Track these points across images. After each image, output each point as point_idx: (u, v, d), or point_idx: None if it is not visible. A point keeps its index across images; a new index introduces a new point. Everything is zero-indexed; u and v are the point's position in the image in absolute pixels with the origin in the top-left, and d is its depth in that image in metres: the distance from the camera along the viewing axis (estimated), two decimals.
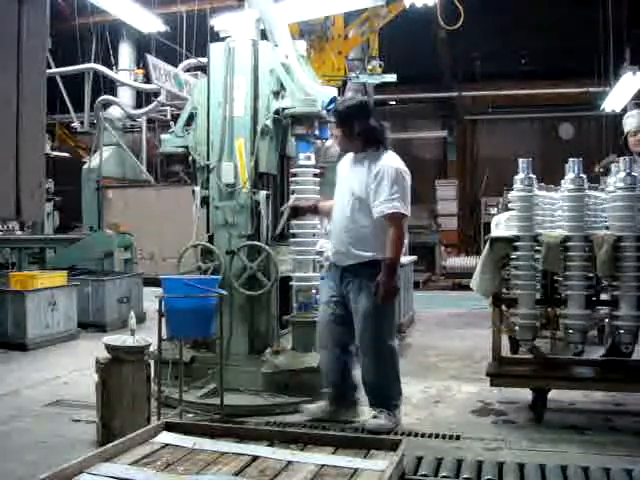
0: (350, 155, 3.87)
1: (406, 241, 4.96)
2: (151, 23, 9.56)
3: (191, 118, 4.62)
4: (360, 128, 3.69)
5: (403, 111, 16.70)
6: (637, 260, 3.65)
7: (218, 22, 4.94)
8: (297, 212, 4.18)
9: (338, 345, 3.82)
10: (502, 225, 4.16)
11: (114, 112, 13.75)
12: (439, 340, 6.65)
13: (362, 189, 3.64)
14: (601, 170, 10.76)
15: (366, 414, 3.84)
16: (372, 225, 3.63)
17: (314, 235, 4.45)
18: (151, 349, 3.65)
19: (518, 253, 3.84)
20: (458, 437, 3.64)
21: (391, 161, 3.67)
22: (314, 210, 4.13)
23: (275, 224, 4.54)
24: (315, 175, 4.43)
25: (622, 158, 3.82)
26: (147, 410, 3.51)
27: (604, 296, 3.90)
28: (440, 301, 10.38)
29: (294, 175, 4.44)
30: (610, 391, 4.23)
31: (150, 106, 12.89)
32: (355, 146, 3.76)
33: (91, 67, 12.47)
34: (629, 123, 4.85)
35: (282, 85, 4.39)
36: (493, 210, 13.79)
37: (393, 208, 3.54)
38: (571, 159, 3.85)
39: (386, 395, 3.76)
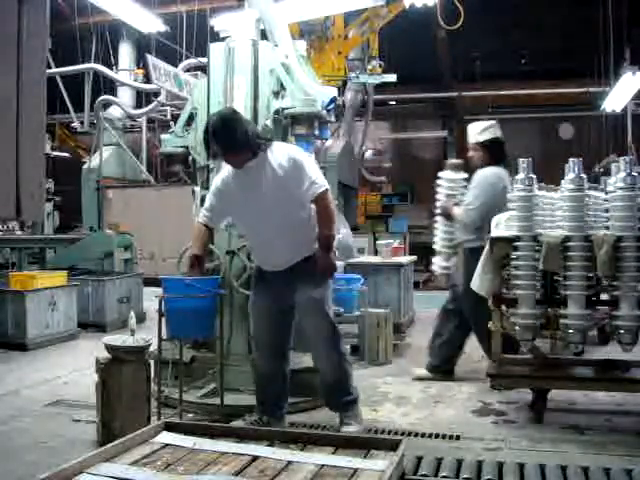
0: (228, 173, 3.59)
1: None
2: (151, 23, 9.55)
3: (191, 118, 4.62)
4: (244, 138, 3.38)
5: (403, 111, 16.70)
6: (637, 260, 3.65)
7: (218, 22, 4.95)
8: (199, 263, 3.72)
9: (280, 351, 3.73)
10: (502, 225, 4.16)
11: (114, 112, 13.74)
12: None
13: (285, 188, 3.44)
14: (601, 170, 10.77)
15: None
16: (308, 216, 3.55)
17: None
18: (151, 349, 3.65)
19: (518, 253, 3.84)
20: (458, 437, 3.65)
21: (291, 150, 3.58)
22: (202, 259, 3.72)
23: None
24: None
25: (622, 158, 3.83)
26: (147, 410, 3.51)
27: (604, 296, 3.91)
28: (440, 301, 10.32)
29: None
30: (610, 391, 4.23)
31: (150, 106, 12.89)
32: (244, 158, 3.45)
33: (91, 67, 12.46)
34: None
35: (282, 85, 4.39)
36: None
37: (320, 187, 3.44)
38: (571, 159, 3.85)
39: (348, 389, 3.71)
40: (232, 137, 3.39)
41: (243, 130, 3.40)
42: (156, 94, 12.02)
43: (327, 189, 3.48)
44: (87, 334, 6.86)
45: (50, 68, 11.50)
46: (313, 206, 3.53)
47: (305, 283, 3.57)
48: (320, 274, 3.55)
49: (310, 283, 3.57)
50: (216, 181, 3.72)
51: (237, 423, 3.59)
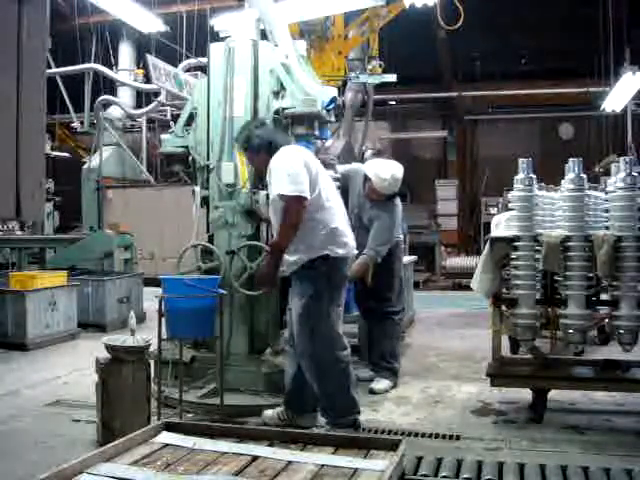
0: None
1: (406, 236, 4.68)
2: (151, 23, 9.55)
3: (191, 118, 4.62)
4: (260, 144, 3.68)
5: (403, 111, 16.71)
6: (637, 260, 3.65)
7: (218, 22, 4.93)
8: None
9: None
10: (502, 225, 4.16)
11: (114, 112, 13.75)
12: (439, 340, 6.65)
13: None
14: (601, 170, 10.78)
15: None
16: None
17: None
18: (151, 349, 3.65)
19: (518, 253, 3.84)
20: (458, 437, 3.65)
21: (275, 157, 3.57)
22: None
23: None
24: None
25: (622, 158, 3.83)
26: (147, 410, 3.51)
27: (604, 296, 3.91)
28: (440, 301, 10.37)
29: None
30: (610, 391, 4.23)
31: (150, 106, 12.89)
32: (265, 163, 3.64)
33: (91, 67, 12.47)
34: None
35: (282, 85, 4.39)
36: (493, 210, 13.79)
37: (276, 190, 3.43)
38: (571, 159, 3.85)
39: (330, 408, 3.56)
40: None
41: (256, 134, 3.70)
42: (156, 94, 12.03)
43: (285, 196, 3.37)
44: (87, 334, 6.85)
45: (50, 68, 11.51)
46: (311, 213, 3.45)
47: (292, 293, 3.60)
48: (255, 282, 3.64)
49: (295, 294, 3.57)
50: None
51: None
